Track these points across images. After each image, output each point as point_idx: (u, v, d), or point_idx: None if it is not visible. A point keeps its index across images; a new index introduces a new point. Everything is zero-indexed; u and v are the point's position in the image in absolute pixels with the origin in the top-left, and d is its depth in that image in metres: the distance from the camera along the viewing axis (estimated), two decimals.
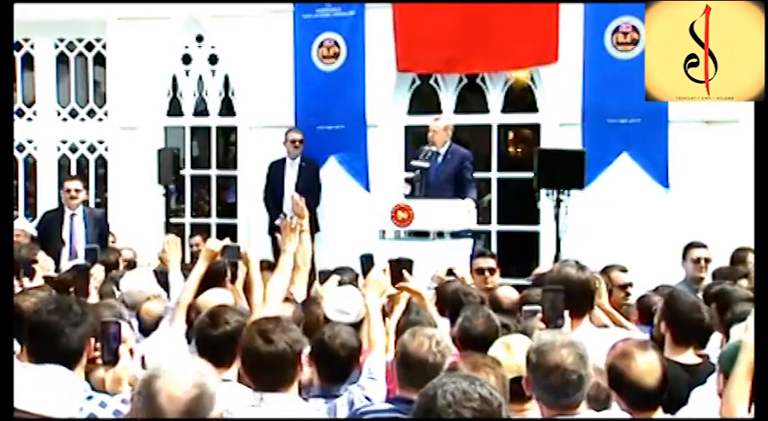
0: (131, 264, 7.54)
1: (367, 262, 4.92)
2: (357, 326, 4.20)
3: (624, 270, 6.21)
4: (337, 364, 3.81)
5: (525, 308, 4.31)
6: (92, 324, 3.41)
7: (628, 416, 3.25)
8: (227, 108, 9.92)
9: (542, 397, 3.09)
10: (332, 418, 3.60)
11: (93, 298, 4.82)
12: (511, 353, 3.43)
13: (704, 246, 6.92)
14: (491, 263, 6.56)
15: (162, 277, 5.44)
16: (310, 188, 9.06)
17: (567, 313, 4.00)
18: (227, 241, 5.25)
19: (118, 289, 5.66)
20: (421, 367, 3.36)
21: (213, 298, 4.47)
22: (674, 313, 4.26)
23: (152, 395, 2.51)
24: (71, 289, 4.96)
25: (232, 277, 5.00)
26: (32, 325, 3.30)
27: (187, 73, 9.96)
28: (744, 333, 3.42)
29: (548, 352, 3.06)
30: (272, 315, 3.78)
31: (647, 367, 3.25)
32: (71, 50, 10.27)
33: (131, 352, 3.42)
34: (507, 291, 5.46)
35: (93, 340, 3.35)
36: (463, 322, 4.19)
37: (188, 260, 7.75)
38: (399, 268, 4.50)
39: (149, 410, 2.51)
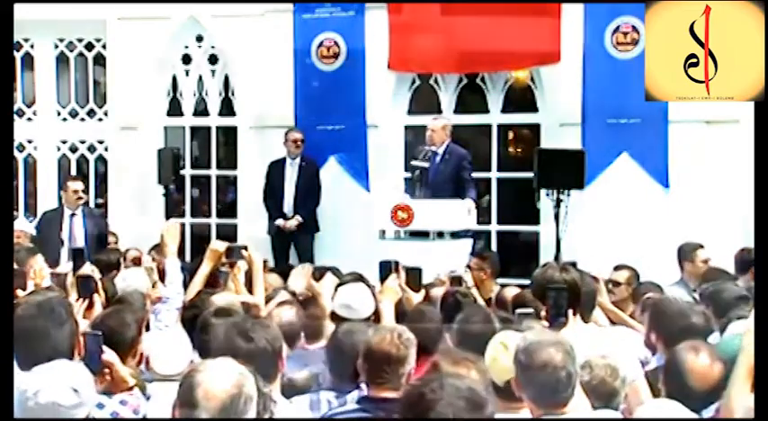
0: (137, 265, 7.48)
1: (385, 268, 4.85)
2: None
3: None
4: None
5: (518, 310, 4.31)
6: (77, 323, 3.39)
7: (620, 415, 3.25)
8: (227, 108, 9.91)
9: (533, 396, 3.08)
10: (306, 419, 3.54)
11: (98, 307, 4.73)
12: (509, 353, 3.42)
13: (701, 247, 6.91)
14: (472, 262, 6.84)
15: (160, 274, 5.42)
16: (310, 188, 9.06)
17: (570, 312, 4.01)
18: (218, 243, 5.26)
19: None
20: (385, 360, 3.38)
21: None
22: (661, 322, 4.18)
23: (190, 387, 2.51)
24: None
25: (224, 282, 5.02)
26: (17, 332, 3.22)
27: (187, 73, 9.95)
28: (743, 334, 3.43)
29: (536, 351, 3.05)
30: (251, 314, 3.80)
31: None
32: (71, 50, 10.25)
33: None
34: (512, 292, 5.45)
35: (81, 339, 3.32)
36: (461, 322, 4.20)
37: None
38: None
39: (185, 401, 2.50)
